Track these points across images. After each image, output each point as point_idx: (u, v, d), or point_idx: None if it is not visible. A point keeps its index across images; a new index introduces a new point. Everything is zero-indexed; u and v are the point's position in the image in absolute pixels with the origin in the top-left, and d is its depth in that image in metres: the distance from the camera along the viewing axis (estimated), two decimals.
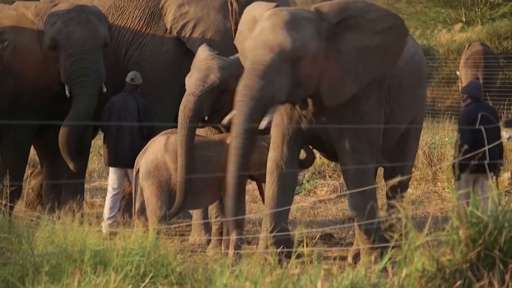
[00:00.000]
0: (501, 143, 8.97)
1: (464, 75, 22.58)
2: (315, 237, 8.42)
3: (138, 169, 8.42)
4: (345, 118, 7.93)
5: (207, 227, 9.35)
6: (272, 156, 8.08)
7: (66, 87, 9.47)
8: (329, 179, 12.70)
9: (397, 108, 8.39)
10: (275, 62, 7.55)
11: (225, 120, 8.03)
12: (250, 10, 8.28)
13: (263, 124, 7.63)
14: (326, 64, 7.74)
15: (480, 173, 8.89)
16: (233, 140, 7.60)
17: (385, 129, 8.29)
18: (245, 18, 8.31)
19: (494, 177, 9.38)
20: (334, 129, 7.96)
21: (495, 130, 8.93)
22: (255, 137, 7.68)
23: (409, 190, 11.51)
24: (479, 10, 29.73)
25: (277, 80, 7.54)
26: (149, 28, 10.01)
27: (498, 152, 8.96)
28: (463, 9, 30.15)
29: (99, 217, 9.89)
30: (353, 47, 7.84)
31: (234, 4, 9.88)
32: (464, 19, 30.12)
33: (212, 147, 8.52)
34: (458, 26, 29.91)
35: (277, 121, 8.09)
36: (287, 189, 8.04)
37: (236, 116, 7.58)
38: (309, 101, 7.92)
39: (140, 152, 8.60)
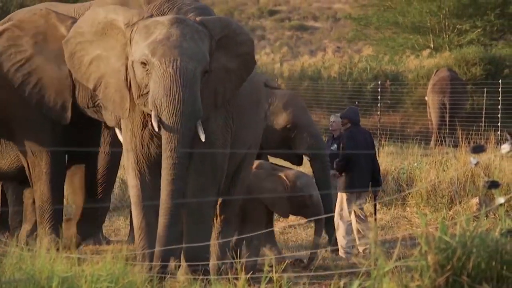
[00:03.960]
0: (375, 165, 10.26)
1: (431, 101, 22.77)
2: (285, 262, 8.41)
3: None
4: (194, 139, 7.55)
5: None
6: (137, 185, 7.74)
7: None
8: None
9: (240, 130, 8.14)
10: (198, 75, 7.40)
11: (155, 127, 7.34)
12: (106, 13, 7.84)
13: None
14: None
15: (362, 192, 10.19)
16: (172, 168, 7.22)
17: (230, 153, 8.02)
18: (95, 19, 7.89)
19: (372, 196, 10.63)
20: None
21: (371, 154, 10.22)
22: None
23: (378, 216, 11.52)
24: (447, 36, 30.03)
25: (198, 94, 7.41)
26: None
27: (371, 174, 10.19)
28: (431, 35, 30.45)
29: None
30: (218, 67, 7.71)
31: None
32: (432, 45, 30.42)
33: None
34: (426, 52, 30.20)
35: (129, 146, 7.75)
36: None
37: (172, 136, 7.25)
38: None
39: None
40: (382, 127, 22.45)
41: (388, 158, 14.67)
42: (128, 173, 7.84)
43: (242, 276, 5.80)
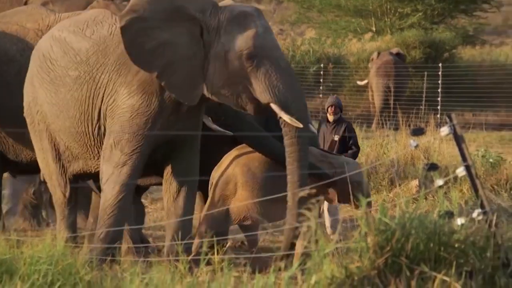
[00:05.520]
0: None
1: (375, 84, 22.93)
2: (226, 245, 8.42)
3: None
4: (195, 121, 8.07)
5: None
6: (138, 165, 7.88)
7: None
8: None
9: None
10: None
11: (290, 119, 7.66)
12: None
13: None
14: None
15: None
16: (303, 146, 7.66)
17: None
18: (158, 6, 7.85)
19: None
20: (191, 130, 7.97)
21: None
22: None
23: (321, 198, 11.60)
24: (389, 19, 30.24)
25: None
26: None
27: None
28: (373, 18, 30.63)
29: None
30: None
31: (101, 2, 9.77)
32: (374, 29, 30.61)
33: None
34: (368, 35, 30.38)
35: (141, 131, 7.82)
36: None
37: (300, 125, 7.59)
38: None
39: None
40: (325, 110, 22.53)
41: None
42: (121, 152, 7.80)
43: (183, 258, 5.81)
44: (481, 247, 5.34)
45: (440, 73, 23.76)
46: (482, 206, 5.59)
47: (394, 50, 24.06)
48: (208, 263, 6.10)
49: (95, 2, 9.28)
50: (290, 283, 5.16)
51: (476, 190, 5.64)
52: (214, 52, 7.71)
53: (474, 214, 5.55)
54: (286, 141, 7.67)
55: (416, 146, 6.03)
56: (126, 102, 7.85)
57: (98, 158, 8.10)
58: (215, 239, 7.41)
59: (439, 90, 23.58)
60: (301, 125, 7.58)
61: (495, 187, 12.02)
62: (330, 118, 10.26)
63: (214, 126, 8.22)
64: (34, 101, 8.36)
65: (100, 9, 8.74)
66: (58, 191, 8.36)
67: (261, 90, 7.63)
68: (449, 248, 5.26)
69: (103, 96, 7.98)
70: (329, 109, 10.32)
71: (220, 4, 7.91)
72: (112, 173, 7.84)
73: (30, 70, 8.45)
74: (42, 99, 8.28)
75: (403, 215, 5.31)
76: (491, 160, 12.51)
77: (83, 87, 8.05)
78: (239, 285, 5.33)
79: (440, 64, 24.07)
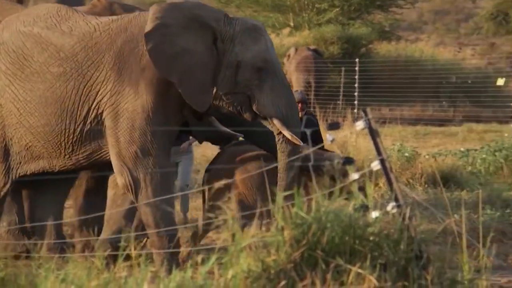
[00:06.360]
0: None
1: (295, 80, 23.08)
2: (144, 240, 8.39)
3: None
4: None
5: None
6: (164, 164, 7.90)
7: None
8: None
9: None
10: None
11: (290, 134, 7.86)
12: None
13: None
14: None
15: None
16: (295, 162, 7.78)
17: None
18: (179, 13, 7.94)
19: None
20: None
21: None
22: None
23: None
24: (307, 15, 30.47)
25: None
26: None
27: None
28: (291, 14, 30.82)
29: None
30: None
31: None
32: (292, 24, 30.79)
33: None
34: (286, 30, 30.55)
35: (157, 123, 7.85)
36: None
37: (295, 139, 7.80)
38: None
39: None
40: None
41: None
42: (151, 155, 7.79)
43: (99, 253, 5.77)
44: (395, 240, 5.42)
45: (357, 68, 24.04)
46: (396, 200, 5.68)
47: (312, 46, 24.25)
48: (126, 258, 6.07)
49: (96, 1, 9.07)
50: (207, 277, 5.16)
51: (390, 184, 5.72)
52: (226, 60, 7.88)
53: (389, 208, 5.63)
54: (283, 158, 7.94)
55: (332, 141, 6.09)
56: (135, 103, 7.80)
57: (69, 157, 7.97)
58: (136, 233, 7.38)
59: (356, 85, 23.86)
60: (301, 143, 7.84)
61: (411, 180, 12.23)
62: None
63: (224, 129, 8.27)
64: None
65: (52, 4, 8.51)
66: None
67: (264, 103, 7.89)
68: (364, 241, 5.33)
69: (96, 94, 7.85)
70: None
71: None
72: (150, 178, 7.83)
73: None
74: (8, 97, 8.05)
75: (319, 209, 5.36)
76: (406, 154, 12.72)
77: (69, 84, 7.89)
78: (156, 280, 5.32)
79: (357, 60, 24.35)
